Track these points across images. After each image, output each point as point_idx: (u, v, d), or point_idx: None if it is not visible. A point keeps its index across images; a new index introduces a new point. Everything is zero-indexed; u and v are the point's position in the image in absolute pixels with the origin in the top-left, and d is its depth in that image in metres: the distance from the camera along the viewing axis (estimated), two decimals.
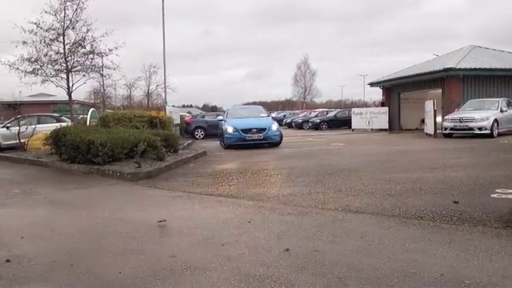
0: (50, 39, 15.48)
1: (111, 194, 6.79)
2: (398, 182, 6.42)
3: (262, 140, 13.84)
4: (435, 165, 8.35)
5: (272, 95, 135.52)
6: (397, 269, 3.05)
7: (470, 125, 15.65)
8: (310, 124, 32.55)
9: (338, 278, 2.93)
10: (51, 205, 5.92)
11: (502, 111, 16.23)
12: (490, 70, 20.02)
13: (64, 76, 15.90)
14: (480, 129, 15.42)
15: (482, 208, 4.66)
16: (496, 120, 15.64)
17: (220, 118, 16.71)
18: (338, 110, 39.09)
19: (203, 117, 25.77)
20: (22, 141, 12.31)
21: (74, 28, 15.61)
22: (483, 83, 20.17)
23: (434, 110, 17.32)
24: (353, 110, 28.99)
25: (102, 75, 18.17)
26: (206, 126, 22.96)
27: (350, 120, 27.09)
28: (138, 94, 57.74)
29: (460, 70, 19.54)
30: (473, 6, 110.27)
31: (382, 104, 26.36)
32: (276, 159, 10.45)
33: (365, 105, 56.33)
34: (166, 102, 25.48)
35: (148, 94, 56.39)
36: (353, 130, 25.77)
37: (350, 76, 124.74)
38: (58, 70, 15.84)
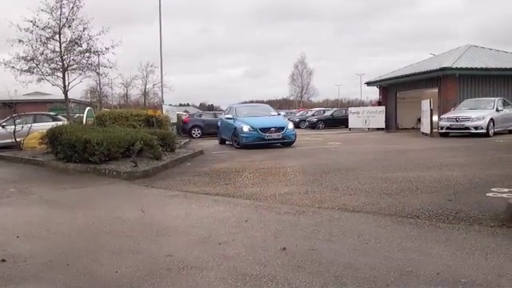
0: (46, 37, 15.47)
1: (107, 193, 6.77)
2: (395, 181, 6.44)
3: (280, 139, 13.48)
4: (431, 164, 8.38)
5: (269, 94, 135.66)
6: (393, 267, 3.06)
7: (466, 124, 15.70)
8: (307, 123, 32.68)
9: (334, 276, 2.94)
10: (47, 204, 5.90)
11: (497, 110, 16.30)
12: (486, 69, 20.09)
13: (60, 75, 15.87)
14: (476, 128, 15.47)
15: (477, 207, 4.68)
16: (492, 119, 15.70)
17: (228, 116, 15.26)
18: (335, 109, 39.18)
19: (200, 116, 25.75)
20: (17, 140, 12.25)
21: (70, 26, 15.60)
22: (479, 82, 20.25)
23: (431, 110, 17.38)
24: (350, 109, 29.03)
25: (98, 74, 18.15)
26: (202, 125, 22.95)
27: (347, 119, 27.10)
28: (135, 92, 57.67)
29: (456, 69, 19.60)
30: (470, 5, 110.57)
31: (379, 103, 26.41)
32: (272, 158, 10.45)
33: (362, 104, 56.33)
34: (162, 101, 25.42)
35: (145, 93, 56.21)
36: (350, 129, 25.80)
37: (347, 75, 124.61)
38: (54, 68, 15.81)
